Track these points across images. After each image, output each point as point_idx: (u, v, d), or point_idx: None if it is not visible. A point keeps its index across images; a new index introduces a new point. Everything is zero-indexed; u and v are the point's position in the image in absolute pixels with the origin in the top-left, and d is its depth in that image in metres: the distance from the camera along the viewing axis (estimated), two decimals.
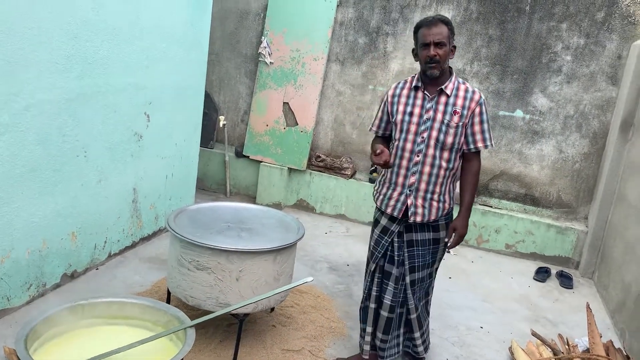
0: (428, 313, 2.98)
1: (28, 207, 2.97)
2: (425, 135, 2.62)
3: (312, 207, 5.67)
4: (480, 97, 2.63)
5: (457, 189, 2.77)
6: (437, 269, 2.91)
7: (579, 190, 5.18)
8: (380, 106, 2.85)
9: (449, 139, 2.61)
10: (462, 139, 2.63)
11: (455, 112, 2.60)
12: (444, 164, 2.63)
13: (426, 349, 2.98)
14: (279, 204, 5.59)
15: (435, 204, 2.67)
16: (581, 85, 5.04)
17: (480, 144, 2.64)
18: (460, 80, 2.68)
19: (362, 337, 2.94)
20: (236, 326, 2.83)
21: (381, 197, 2.77)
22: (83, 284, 3.45)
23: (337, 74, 5.62)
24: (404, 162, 2.66)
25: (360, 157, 5.73)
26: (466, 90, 2.63)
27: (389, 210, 2.72)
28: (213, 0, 4.63)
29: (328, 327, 3.30)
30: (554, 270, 4.88)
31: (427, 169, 2.63)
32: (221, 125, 5.64)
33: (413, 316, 2.83)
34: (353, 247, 4.84)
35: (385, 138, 2.86)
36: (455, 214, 2.74)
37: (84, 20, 3.11)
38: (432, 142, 2.61)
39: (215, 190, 5.88)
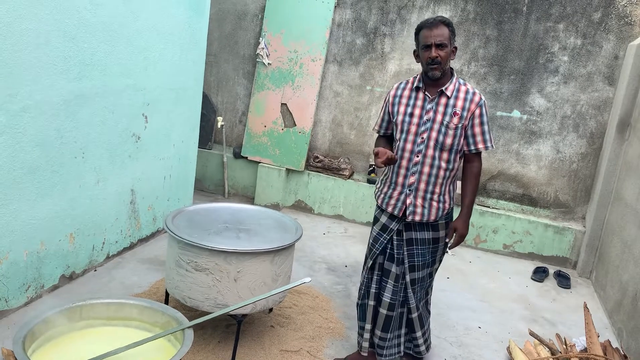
0: (429, 312, 3.00)
1: (26, 208, 2.97)
2: (425, 135, 2.64)
3: (310, 208, 5.68)
4: (481, 98, 2.64)
5: (458, 190, 2.79)
6: (437, 269, 2.93)
7: (576, 190, 5.19)
8: (382, 106, 2.87)
9: (448, 140, 2.63)
10: (462, 140, 2.66)
11: (455, 114, 2.62)
12: (443, 165, 2.65)
13: (428, 348, 2.99)
14: (277, 205, 5.60)
15: (435, 204, 2.69)
16: (578, 86, 5.05)
17: (480, 145, 2.66)
18: (461, 81, 2.70)
19: (360, 335, 2.95)
20: (234, 327, 2.84)
21: (382, 195, 2.80)
22: (81, 285, 3.45)
23: (335, 74, 5.63)
24: (404, 162, 2.68)
25: (358, 158, 5.73)
26: (466, 92, 2.65)
27: (389, 209, 2.74)
28: (211, 2, 4.64)
29: (326, 328, 3.30)
30: (551, 270, 4.89)
31: (426, 169, 2.65)
32: (219, 126, 5.65)
33: (414, 315, 2.84)
34: (351, 247, 4.85)
35: (388, 137, 2.88)
36: (455, 215, 2.76)
37: (82, 22, 3.12)
38: (432, 143, 2.63)
39: (213, 191, 5.88)
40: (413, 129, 2.66)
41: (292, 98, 5.55)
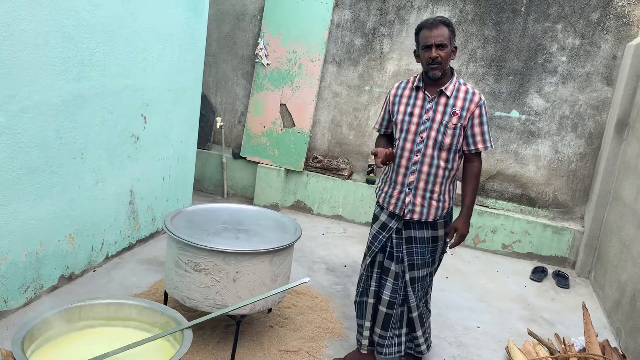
0: (429, 311, 3.01)
1: (25, 209, 2.97)
2: (424, 135, 2.66)
3: (310, 208, 5.68)
4: (480, 98, 2.65)
5: (458, 190, 2.80)
6: (436, 268, 2.94)
7: (574, 190, 5.20)
8: (383, 105, 2.89)
9: (447, 140, 2.64)
10: (461, 139, 2.67)
11: (454, 114, 2.63)
12: (442, 164, 2.67)
13: (428, 347, 3.00)
14: (277, 205, 5.60)
15: (434, 203, 2.70)
16: (576, 86, 5.06)
17: (480, 145, 2.68)
18: (461, 81, 2.71)
19: (359, 333, 2.95)
20: (233, 327, 2.84)
21: (383, 194, 2.82)
22: (80, 286, 3.45)
23: (334, 75, 5.63)
24: (404, 161, 2.70)
25: (357, 158, 5.74)
26: (466, 92, 2.66)
27: (391, 208, 2.76)
28: (209, 2, 4.64)
29: (325, 328, 3.31)
30: (550, 270, 4.89)
31: (425, 168, 2.67)
32: (218, 126, 5.65)
33: (415, 314, 2.84)
34: (350, 247, 4.85)
35: (388, 136, 2.90)
36: (456, 214, 2.77)
37: (81, 22, 3.12)
38: (431, 143, 2.65)
39: (212, 191, 5.88)
40: (412, 128, 2.68)
41: (291, 98, 5.56)
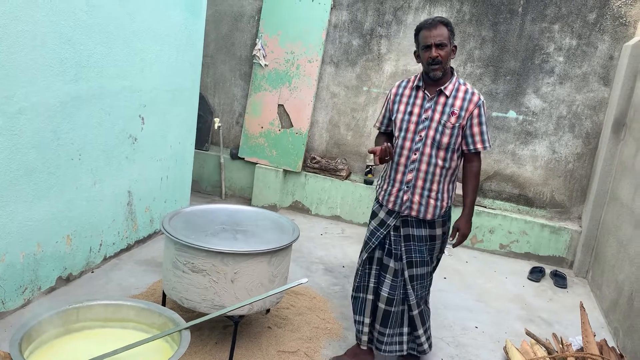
0: (429, 309, 3.01)
1: (22, 210, 2.97)
2: (423, 134, 2.68)
3: (308, 209, 5.68)
4: (480, 99, 2.67)
5: (458, 190, 2.82)
6: (435, 268, 2.95)
7: (572, 190, 5.21)
8: (383, 103, 2.91)
9: (445, 139, 2.66)
10: (459, 139, 2.70)
11: (453, 113, 2.65)
12: (440, 163, 2.69)
13: (430, 346, 3.00)
14: (275, 206, 5.60)
15: (432, 202, 2.72)
16: (574, 86, 5.07)
17: (479, 145, 2.71)
18: (461, 81, 2.73)
19: (358, 329, 2.96)
20: (231, 328, 2.84)
21: (382, 192, 2.84)
22: (78, 287, 3.45)
23: (332, 75, 5.64)
24: (402, 160, 2.73)
25: (355, 159, 5.74)
26: (465, 92, 2.68)
27: (390, 205, 2.78)
28: (207, 3, 4.64)
29: (324, 328, 3.31)
30: (548, 270, 4.90)
31: (423, 167, 2.70)
32: (216, 127, 5.65)
33: (415, 312, 2.85)
34: (348, 248, 4.85)
35: (388, 135, 2.93)
36: (456, 214, 2.79)
37: (78, 24, 3.12)
38: (429, 142, 2.68)
39: (210, 192, 5.88)
40: (412, 127, 2.71)
41: (289, 99, 5.56)
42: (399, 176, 2.75)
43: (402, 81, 2.84)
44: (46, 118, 3.01)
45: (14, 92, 2.77)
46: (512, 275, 4.73)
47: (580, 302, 3.29)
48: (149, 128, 4.01)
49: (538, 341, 3.23)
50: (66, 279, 3.43)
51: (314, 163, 5.62)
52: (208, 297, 2.69)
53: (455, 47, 2.69)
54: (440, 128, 2.66)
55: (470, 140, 2.70)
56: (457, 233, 2.76)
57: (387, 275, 2.81)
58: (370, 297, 2.88)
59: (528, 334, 3.33)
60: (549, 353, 3.09)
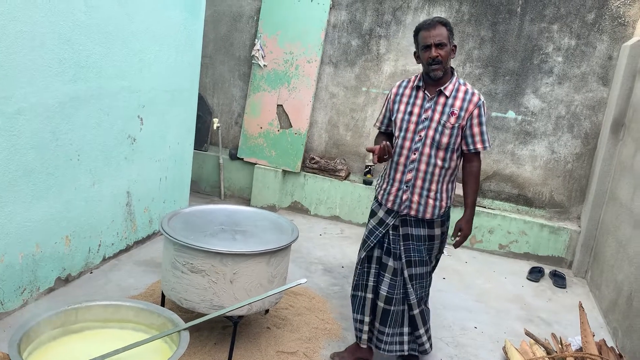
0: (429, 309, 3.02)
1: (21, 210, 2.97)
2: (422, 134, 2.69)
3: (307, 209, 5.68)
4: (479, 99, 2.68)
5: (458, 190, 2.82)
6: (434, 268, 2.95)
7: (571, 190, 5.22)
8: (384, 103, 2.91)
9: (444, 139, 2.67)
10: (459, 139, 2.70)
11: (452, 113, 2.66)
12: (439, 163, 2.70)
13: (431, 346, 3.01)
14: (274, 206, 5.60)
15: (431, 201, 2.72)
16: (572, 86, 5.08)
17: (479, 145, 2.71)
18: (461, 81, 2.74)
19: (358, 328, 2.96)
20: (231, 329, 2.84)
21: (382, 191, 2.85)
22: (77, 287, 3.45)
23: (331, 76, 5.64)
24: (402, 159, 2.74)
25: (354, 159, 5.74)
26: (465, 92, 2.69)
27: (389, 205, 2.79)
28: (206, 4, 4.64)
29: (323, 329, 3.31)
30: (547, 270, 4.90)
31: (422, 166, 2.70)
32: (215, 127, 5.65)
33: (415, 312, 2.85)
34: (348, 248, 4.85)
35: (388, 134, 2.93)
36: (457, 214, 2.79)
37: (77, 24, 3.11)
38: (429, 141, 2.68)
39: (209, 192, 5.88)
40: (411, 127, 2.71)
41: (288, 99, 5.56)
42: (398, 175, 2.76)
43: (403, 81, 2.85)
44: (45, 118, 3.01)
45: (13, 92, 2.77)
46: (511, 275, 4.73)
47: (579, 302, 3.29)
48: (148, 128, 4.01)
49: (537, 341, 3.23)
50: (65, 280, 3.43)
51: (313, 163, 5.62)
52: (207, 298, 2.69)
53: (455, 46, 2.71)
54: (439, 128, 2.66)
55: (470, 140, 2.70)
56: (460, 232, 2.76)
57: (386, 274, 2.82)
58: (369, 295, 2.89)
59: (527, 334, 3.33)
60: (548, 353, 3.09)
